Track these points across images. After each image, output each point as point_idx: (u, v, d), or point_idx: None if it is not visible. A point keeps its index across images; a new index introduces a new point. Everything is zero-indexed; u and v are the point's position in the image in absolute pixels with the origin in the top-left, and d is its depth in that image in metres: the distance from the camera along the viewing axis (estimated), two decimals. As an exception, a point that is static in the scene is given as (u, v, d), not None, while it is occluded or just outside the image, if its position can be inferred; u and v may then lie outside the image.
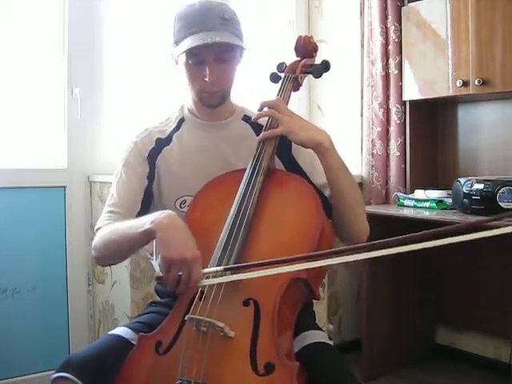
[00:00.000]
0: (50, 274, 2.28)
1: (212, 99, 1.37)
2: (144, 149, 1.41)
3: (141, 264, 2.14)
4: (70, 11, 2.31)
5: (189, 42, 1.28)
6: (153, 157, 1.41)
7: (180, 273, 1.10)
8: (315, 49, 1.48)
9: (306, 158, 1.41)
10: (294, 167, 1.42)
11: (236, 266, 1.13)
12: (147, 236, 1.15)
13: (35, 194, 2.26)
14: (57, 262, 2.29)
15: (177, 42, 1.33)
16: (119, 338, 1.27)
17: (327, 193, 1.37)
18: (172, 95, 2.51)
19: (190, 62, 1.32)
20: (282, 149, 1.38)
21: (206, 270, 1.12)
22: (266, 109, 1.34)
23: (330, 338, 1.32)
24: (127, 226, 1.22)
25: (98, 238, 1.30)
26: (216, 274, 1.13)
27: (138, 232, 1.16)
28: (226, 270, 1.12)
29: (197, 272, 1.10)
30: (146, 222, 1.16)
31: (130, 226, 1.21)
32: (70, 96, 2.33)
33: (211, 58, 1.31)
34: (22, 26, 2.26)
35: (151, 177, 1.41)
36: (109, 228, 1.29)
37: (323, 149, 1.28)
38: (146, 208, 1.38)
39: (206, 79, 1.31)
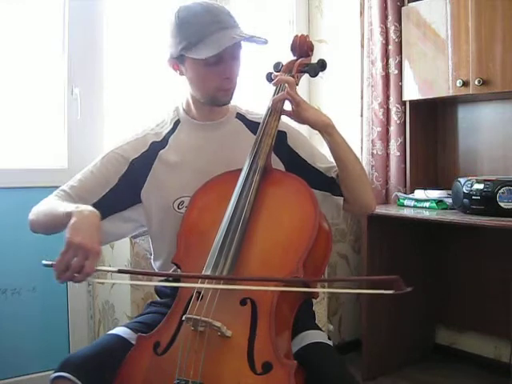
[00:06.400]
0: (49, 274, 2.24)
1: (227, 97, 1.38)
2: (134, 151, 1.40)
3: (141, 264, 2.14)
4: (70, 11, 2.31)
5: (217, 41, 1.27)
6: (143, 162, 1.40)
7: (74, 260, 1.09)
8: (311, 48, 1.49)
9: (305, 146, 1.47)
10: (293, 158, 1.44)
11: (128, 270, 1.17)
12: (67, 218, 1.15)
13: (35, 194, 2.23)
14: (57, 262, 2.29)
15: (194, 44, 1.30)
16: (118, 337, 1.27)
17: (333, 174, 1.42)
18: (172, 95, 2.51)
19: (210, 61, 1.30)
20: (277, 142, 1.38)
21: (100, 268, 1.12)
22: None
23: (329, 338, 1.33)
24: (59, 206, 1.25)
25: (39, 205, 1.35)
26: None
27: (63, 212, 1.19)
28: (120, 271, 1.15)
29: (89, 265, 1.08)
30: (73, 206, 1.18)
31: (60, 206, 1.24)
32: (70, 96, 2.33)
33: (229, 55, 1.32)
34: (22, 26, 2.26)
35: (128, 180, 1.38)
36: (50, 200, 1.33)
37: (331, 129, 1.36)
38: (108, 205, 1.36)
39: (227, 76, 1.33)
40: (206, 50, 1.28)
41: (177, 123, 1.46)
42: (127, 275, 1.99)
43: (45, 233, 1.35)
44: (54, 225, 1.27)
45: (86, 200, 1.35)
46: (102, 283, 1.10)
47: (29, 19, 2.28)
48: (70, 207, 1.19)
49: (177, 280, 1.31)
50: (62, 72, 2.33)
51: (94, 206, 1.31)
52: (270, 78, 1.48)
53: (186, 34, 1.31)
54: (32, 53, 2.29)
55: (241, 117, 1.48)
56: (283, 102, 1.37)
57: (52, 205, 1.30)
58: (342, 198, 1.42)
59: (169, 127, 1.46)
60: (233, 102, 1.49)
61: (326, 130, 1.35)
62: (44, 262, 1.12)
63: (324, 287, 1.16)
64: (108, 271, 1.13)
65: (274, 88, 1.43)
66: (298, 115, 1.35)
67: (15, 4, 2.25)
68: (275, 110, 1.37)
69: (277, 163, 1.40)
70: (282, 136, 1.43)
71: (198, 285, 1.16)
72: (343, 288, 1.13)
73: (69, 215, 1.15)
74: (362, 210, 1.48)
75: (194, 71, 1.35)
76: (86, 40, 2.35)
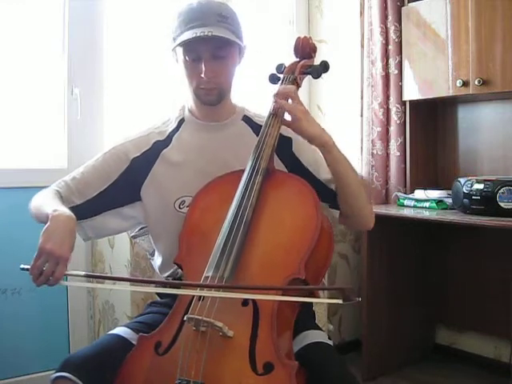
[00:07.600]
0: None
1: (208, 96, 1.36)
2: (136, 149, 1.40)
3: (141, 264, 2.14)
4: (70, 11, 2.31)
5: (184, 37, 1.29)
6: (144, 161, 1.40)
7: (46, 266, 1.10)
8: (314, 50, 1.48)
9: (309, 156, 1.43)
10: (296, 166, 1.42)
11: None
12: (46, 219, 1.16)
13: (35, 194, 2.24)
14: (57, 262, 2.29)
15: (174, 39, 1.34)
16: (119, 337, 1.27)
17: (333, 186, 1.40)
18: (172, 95, 2.51)
19: (186, 58, 1.33)
20: (282, 148, 1.38)
21: (69, 272, 1.13)
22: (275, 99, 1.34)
23: (329, 338, 1.32)
24: (46, 203, 1.25)
25: (37, 194, 1.34)
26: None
27: (43, 212, 1.20)
28: (87, 276, 1.19)
29: (59, 270, 1.10)
30: (53, 208, 1.18)
31: (47, 203, 1.24)
32: (70, 96, 2.33)
33: (208, 54, 1.31)
34: (22, 26, 2.26)
35: (128, 177, 1.39)
36: (45, 193, 1.33)
37: (329, 147, 1.31)
38: (107, 199, 1.37)
39: (202, 75, 1.31)
40: (174, 45, 1.32)
41: (181, 122, 1.46)
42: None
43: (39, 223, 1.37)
44: (40, 220, 1.28)
45: (85, 193, 1.36)
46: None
47: (29, 19, 2.27)
48: (50, 208, 1.18)
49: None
50: (62, 72, 2.33)
51: (94, 199, 1.35)
52: (272, 79, 1.48)
53: (173, 28, 1.35)
54: (32, 53, 2.29)
55: (247, 119, 1.47)
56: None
57: (42, 199, 1.30)
58: (338, 212, 1.42)
59: (173, 126, 1.46)
60: (241, 104, 1.49)
61: (323, 147, 1.31)
62: (22, 266, 1.13)
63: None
64: (75, 275, 1.16)
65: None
66: (295, 126, 1.31)
67: (15, 4, 2.25)
68: (277, 113, 1.36)
69: (280, 167, 1.40)
70: (287, 142, 1.41)
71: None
72: (297, 296, 1.16)
73: (47, 218, 1.15)
74: (359, 226, 1.48)
75: (181, 68, 1.36)
76: (86, 40, 2.35)
